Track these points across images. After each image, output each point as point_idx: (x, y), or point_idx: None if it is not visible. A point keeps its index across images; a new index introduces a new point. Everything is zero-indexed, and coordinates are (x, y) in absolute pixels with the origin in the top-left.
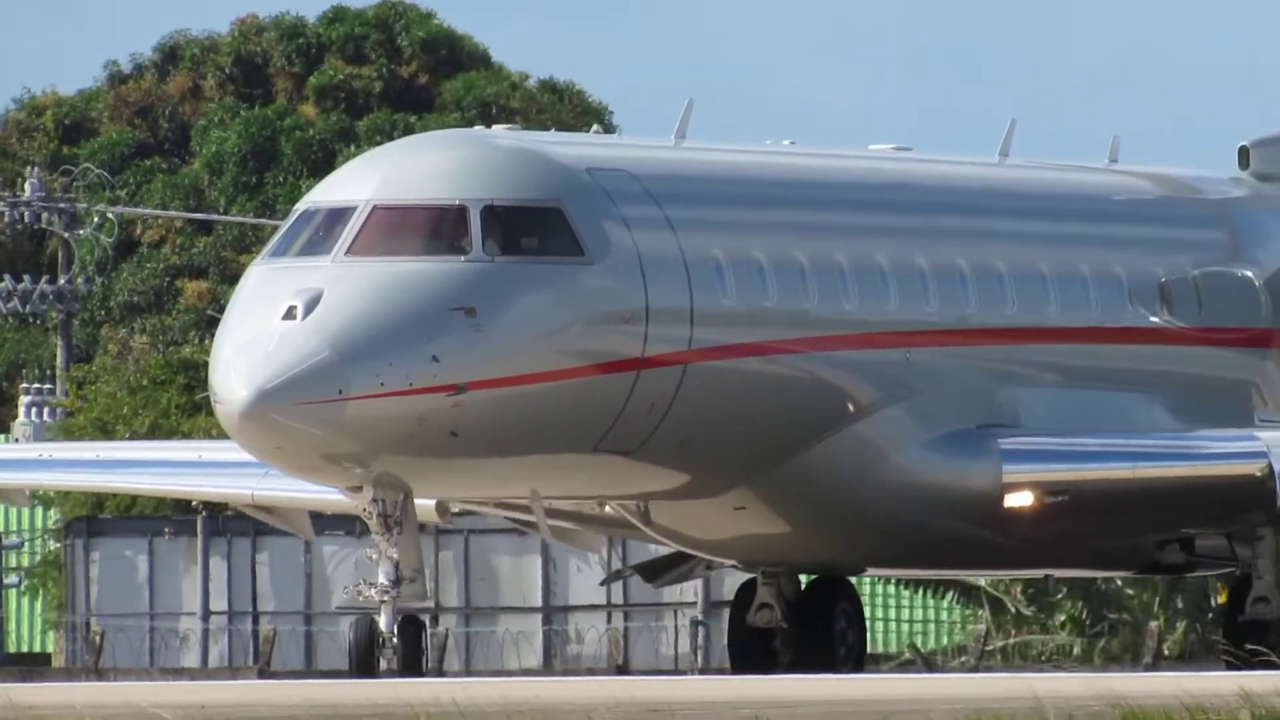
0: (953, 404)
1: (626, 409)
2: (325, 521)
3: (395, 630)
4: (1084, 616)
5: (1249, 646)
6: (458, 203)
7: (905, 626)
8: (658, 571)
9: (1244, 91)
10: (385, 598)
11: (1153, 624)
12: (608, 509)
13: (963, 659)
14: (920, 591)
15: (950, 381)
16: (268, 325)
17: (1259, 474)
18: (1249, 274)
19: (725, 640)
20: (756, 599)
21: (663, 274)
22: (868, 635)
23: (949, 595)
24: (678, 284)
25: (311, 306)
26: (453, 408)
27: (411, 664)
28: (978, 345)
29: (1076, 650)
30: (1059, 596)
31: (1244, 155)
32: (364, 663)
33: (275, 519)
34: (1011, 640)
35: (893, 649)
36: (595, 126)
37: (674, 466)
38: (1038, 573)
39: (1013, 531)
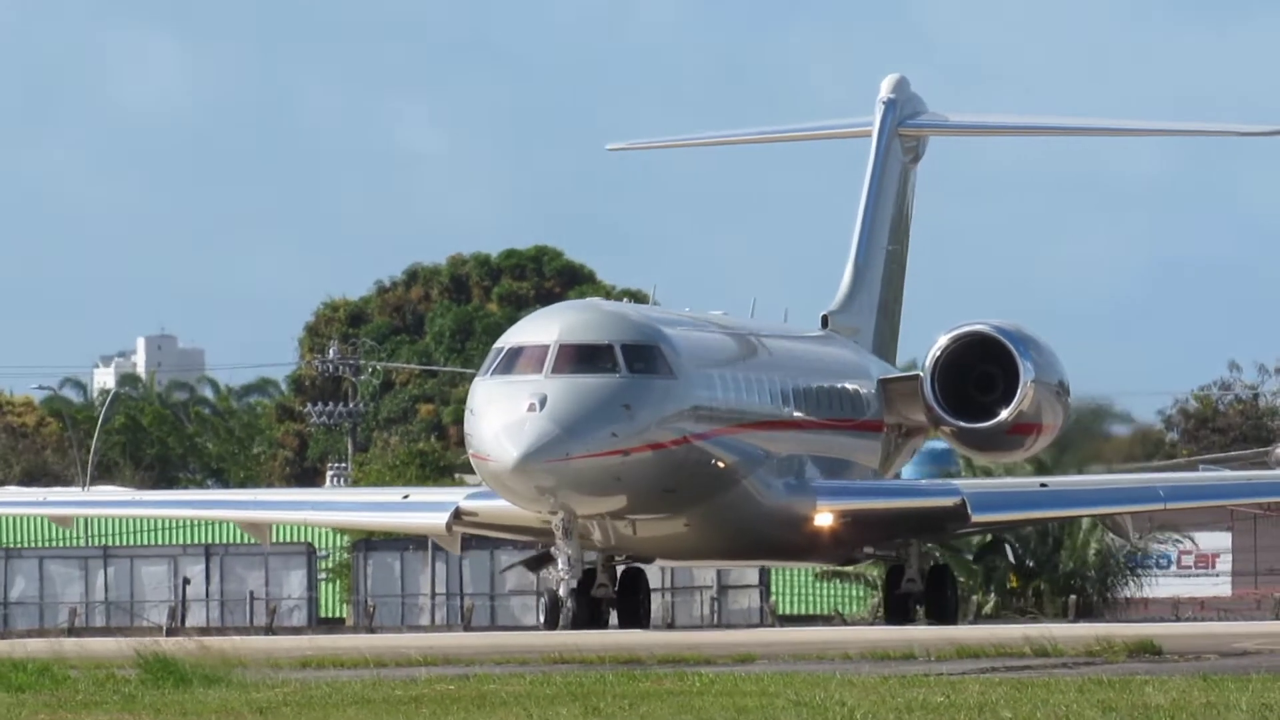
0: (787, 464)
1: (686, 465)
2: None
3: (572, 597)
4: None
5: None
6: (608, 342)
7: (827, 599)
8: (539, 564)
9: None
10: (564, 576)
11: (974, 597)
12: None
13: (865, 620)
14: (828, 580)
15: (784, 451)
16: (517, 415)
17: (954, 504)
18: (859, 387)
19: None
20: (597, 580)
21: (702, 388)
22: (801, 608)
23: (848, 580)
24: (708, 394)
25: (543, 404)
26: (620, 464)
27: (578, 620)
28: (789, 431)
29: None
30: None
31: (825, 321)
32: (551, 619)
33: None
34: None
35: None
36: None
37: (681, 499)
38: (801, 564)
39: (812, 539)
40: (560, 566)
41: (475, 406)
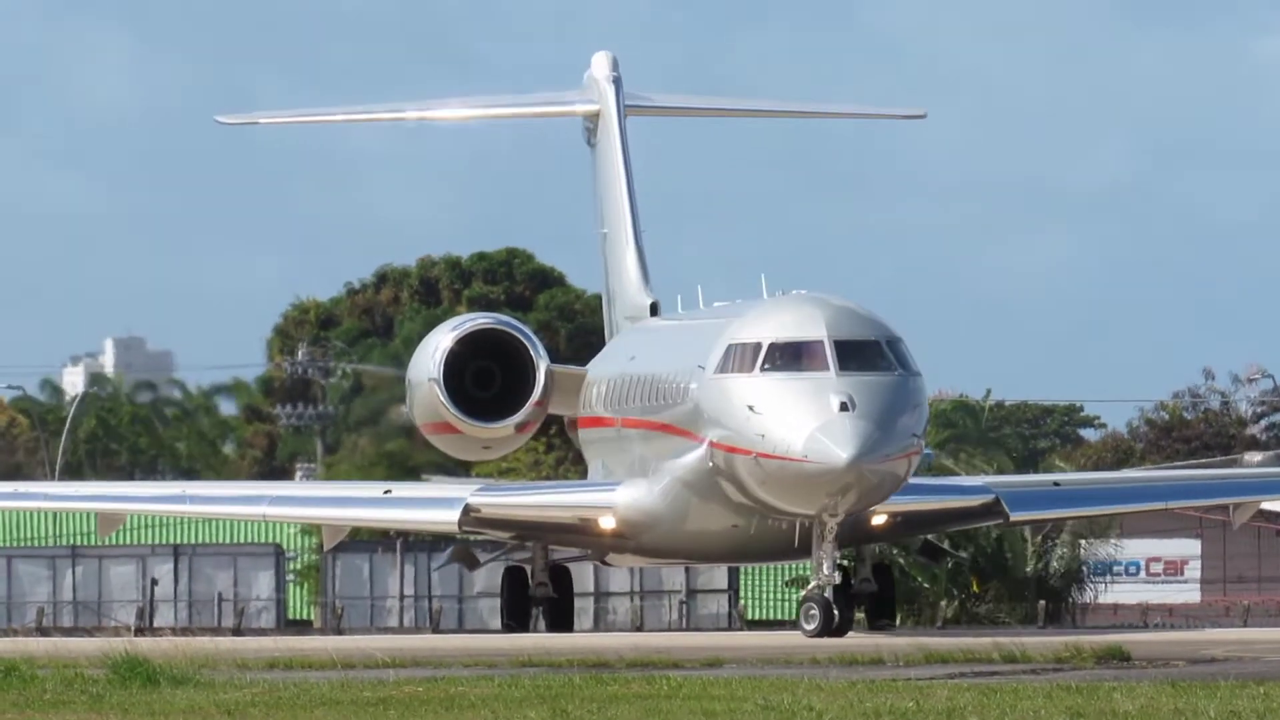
0: None
1: None
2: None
3: (840, 601)
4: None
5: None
6: (874, 339)
7: (796, 604)
8: (469, 560)
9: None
10: (835, 580)
11: (941, 603)
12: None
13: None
14: (798, 587)
15: None
16: (829, 414)
17: (989, 503)
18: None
19: (504, 606)
20: (534, 579)
21: None
22: (777, 613)
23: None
24: None
25: (853, 404)
26: (909, 463)
27: (845, 623)
28: None
29: (898, 619)
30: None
31: (654, 308)
32: (825, 625)
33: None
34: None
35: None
36: None
37: None
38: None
39: (864, 537)
40: (825, 569)
41: (758, 404)
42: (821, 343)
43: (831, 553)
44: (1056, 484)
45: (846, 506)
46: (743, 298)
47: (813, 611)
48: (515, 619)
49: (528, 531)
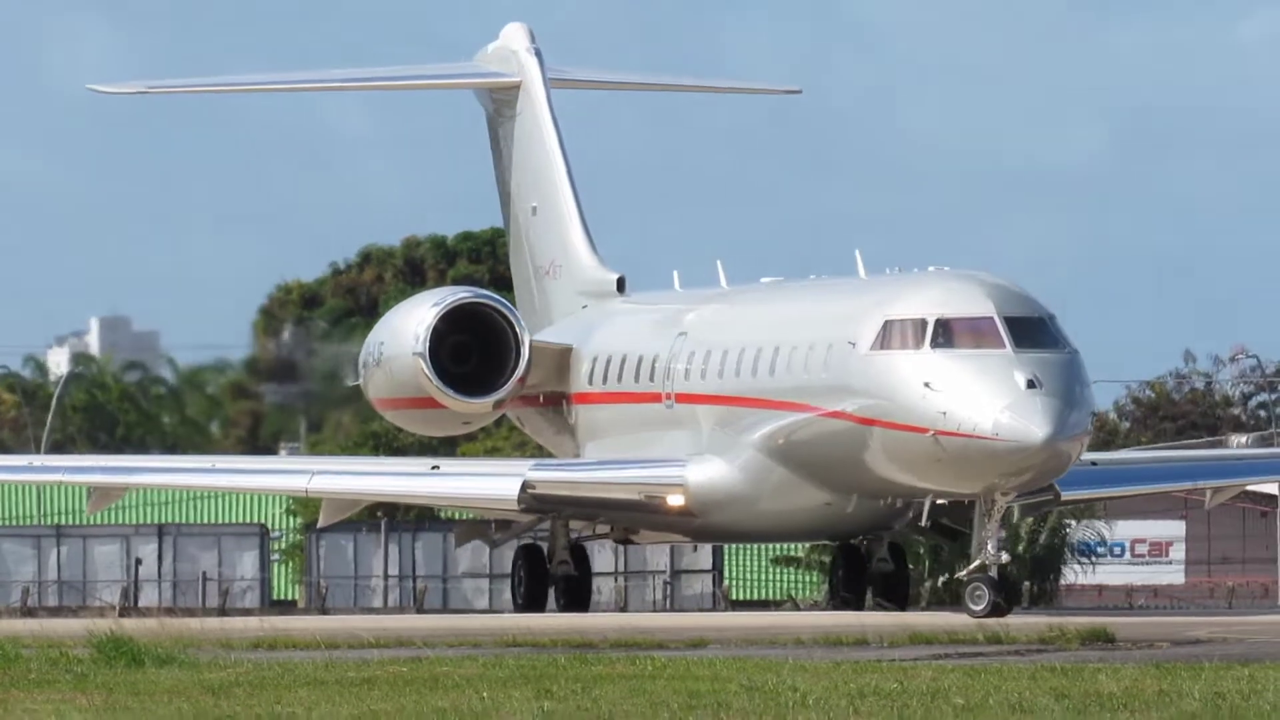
0: None
1: None
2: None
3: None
4: None
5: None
6: (1039, 316)
7: (781, 585)
8: (491, 541)
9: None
10: (999, 560)
11: (926, 583)
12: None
13: (819, 605)
14: (784, 566)
15: None
16: (1017, 392)
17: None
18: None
19: (518, 585)
20: (555, 558)
21: None
22: (761, 593)
23: (801, 568)
24: None
25: (1039, 381)
26: (1082, 445)
27: (1011, 600)
28: None
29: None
30: None
31: (620, 283)
32: (996, 603)
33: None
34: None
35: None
36: None
37: None
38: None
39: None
40: (991, 548)
41: (935, 381)
42: (992, 319)
43: (996, 531)
44: (1094, 464)
45: (1017, 485)
46: (756, 277)
47: (980, 592)
48: (532, 598)
49: (581, 508)
